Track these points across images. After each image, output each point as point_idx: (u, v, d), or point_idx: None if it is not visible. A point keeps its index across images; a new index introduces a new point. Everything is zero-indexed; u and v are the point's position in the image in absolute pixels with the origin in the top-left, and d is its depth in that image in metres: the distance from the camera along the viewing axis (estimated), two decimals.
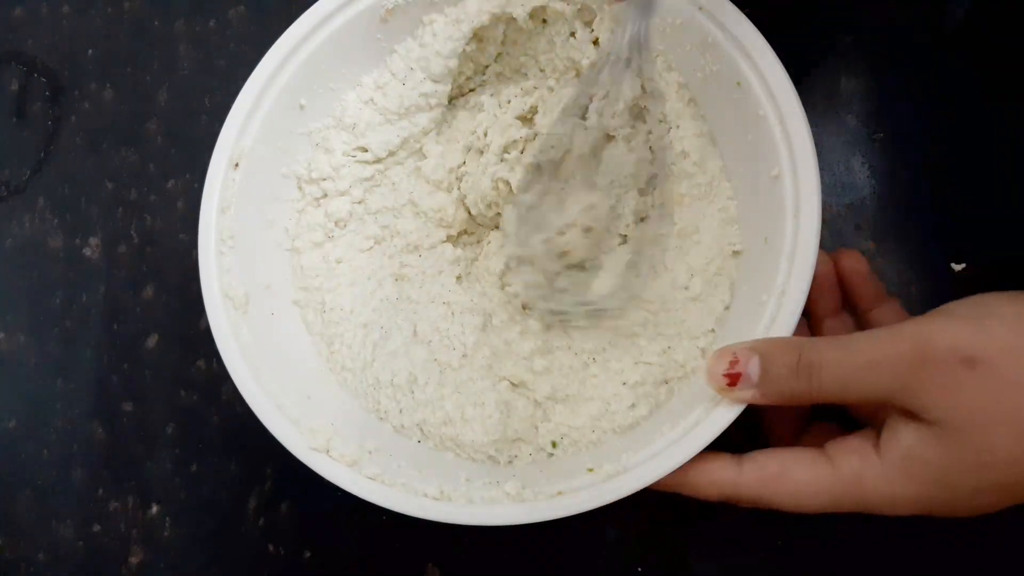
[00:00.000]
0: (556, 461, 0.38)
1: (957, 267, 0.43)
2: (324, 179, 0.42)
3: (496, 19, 0.41)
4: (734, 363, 0.32)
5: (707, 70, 0.39)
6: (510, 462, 0.38)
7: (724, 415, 0.33)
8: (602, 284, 0.39)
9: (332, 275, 0.42)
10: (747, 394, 0.32)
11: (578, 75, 0.43)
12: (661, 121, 0.42)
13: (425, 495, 0.35)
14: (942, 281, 0.43)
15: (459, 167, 0.43)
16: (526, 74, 0.44)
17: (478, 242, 0.44)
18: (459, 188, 0.43)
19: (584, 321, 0.40)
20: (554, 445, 0.38)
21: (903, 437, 0.30)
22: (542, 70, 0.44)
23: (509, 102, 0.44)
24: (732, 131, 0.39)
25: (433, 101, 0.42)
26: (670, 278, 0.40)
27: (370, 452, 0.37)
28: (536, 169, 0.39)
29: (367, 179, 0.43)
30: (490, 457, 0.38)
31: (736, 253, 0.39)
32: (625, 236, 0.42)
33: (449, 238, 0.43)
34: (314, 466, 0.35)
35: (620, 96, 0.41)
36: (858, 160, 0.45)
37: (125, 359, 0.47)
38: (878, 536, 0.40)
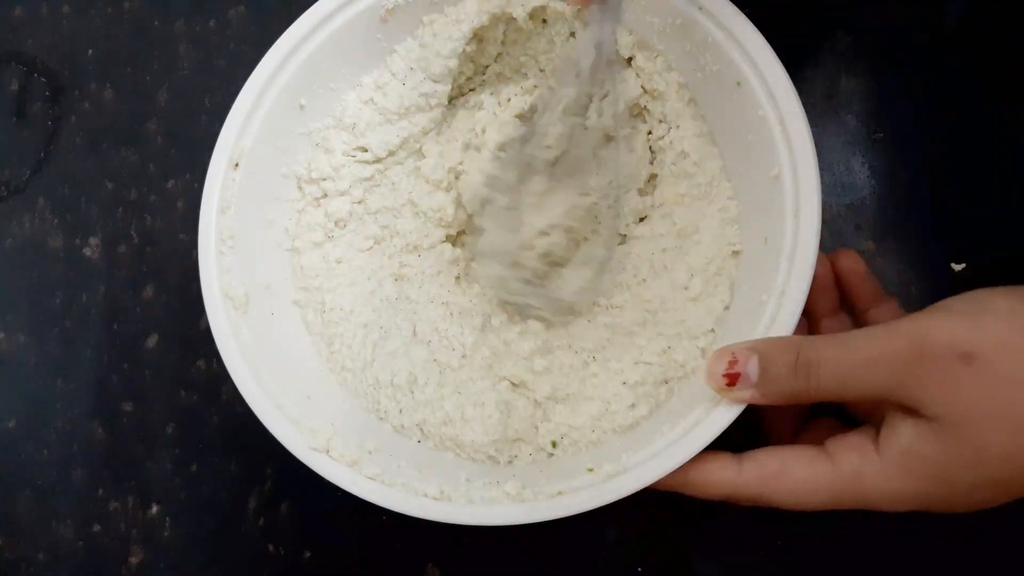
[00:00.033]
0: (556, 461, 0.38)
1: (957, 267, 0.43)
2: (324, 179, 0.42)
3: (496, 19, 0.41)
4: (733, 363, 0.32)
5: (707, 70, 0.39)
6: (510, 462, 0.38)
7: (724, 415, 0.33)
8: (573, 280, 0.39)
9: (332, 275, 0.42)
10: (747, 394, 0.32)
11: (578, 75, 0.43)
12: (661, 121, 0.42)
13: (425, 495, 0.35)
14: (942, 281, 0.43)
15: (458, 165, 0.43)
16: (526, 74, 0.44)
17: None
18: (456, 187, 0.43)
19: (548, 315, 0.40)
20: (554, 445, 0.38)
21: (901, 433, 0.30)
22: (542, 70, 0.44)
23: (509, 100, 0.44)
24: (732, 131, 0.39)
25: (433, 101, 0.42)
26: (670, 278, 0.40)
27: (370, 452, 0.37)
28: (528, 168, 0.39)
29: (367, 179, 0.43)
30: (490, 457, 0.38)
31: (736, 253, 0.39)
32: (624, 236, 0.42)
33: (448, 238, 0.43)
34: (314, 466, 0.35)
35: (620, 97, 0.42)
36: (858, 160, 0.45)
37: (125, 359, 0.47)
38: (878, 535, 0.40)
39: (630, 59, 0.41)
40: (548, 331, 0.40)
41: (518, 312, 0.40)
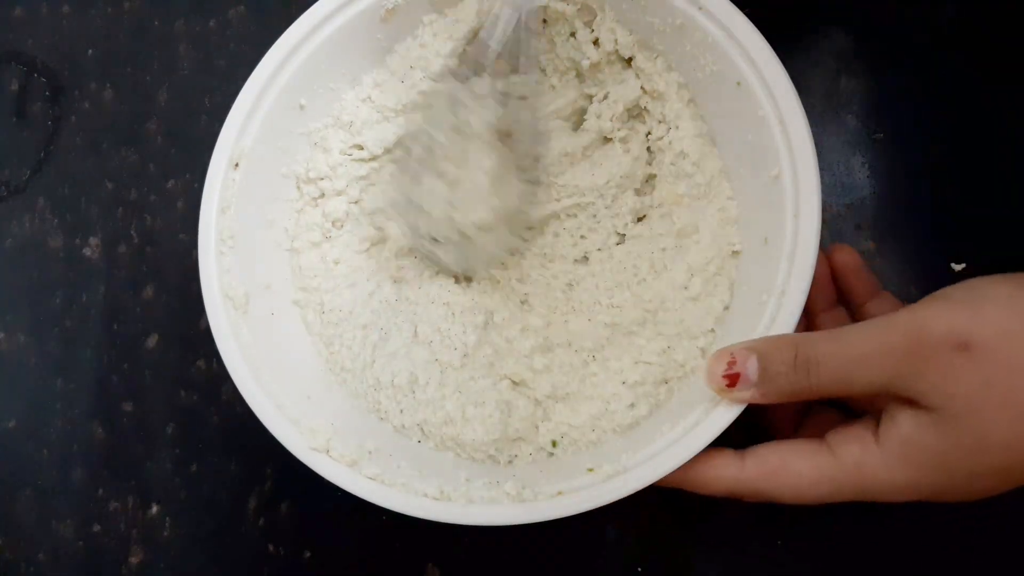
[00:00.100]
0: (556, 461, 0.38)
1: (957, 267, 0.43)
2: (322, 179, 0.42)
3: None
4: (732, 364, 0.32)
5: (707, 70, 0.39)
6: (510, 462, 0.38)
7: (723, 415, 0.33)
8: (486, 244, 0.40)
9: (330, 276, 0.42)
10: (747, 394, 0.32)
11: (578, 75, 0.43)
12: (661, 122, 0.42)
13: (425, 495, 0.35)
14: (942, 281, 0.42)
15: None
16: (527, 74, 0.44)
17: None
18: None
19: (454, 269, 0.41)
20: (554, 444, 0.38)
21: (901, 424, 0.30)
22: (543, 70, 0.44)
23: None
24: (732, 131, 0.39)
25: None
26: (669, 278, 0.40)
27: (370, 452, 0.37)
28: (459, 131, 0.39)
29: (363, 177, 0.43)
30: (490, 457, 0.38)
31: (736, 253, 0.39)
32: (624, 235, 0.43)
33: None
34: (314, 466, 0.35)
35: (620, 98, 0.42)
36: (858, 160, 0.45)
37: (125, 359, 0.47)
38: (878, 535, 0.40)
39: (630, 59, 0.42)
40: (548, 328, 0.40)
41: (423, 260, 0.41)
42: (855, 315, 0.38)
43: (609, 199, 0.42)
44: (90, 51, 0.53)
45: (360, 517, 0.43)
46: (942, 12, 0.47)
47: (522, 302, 0.42)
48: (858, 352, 0.30)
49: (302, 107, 0.42)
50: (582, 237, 0.43)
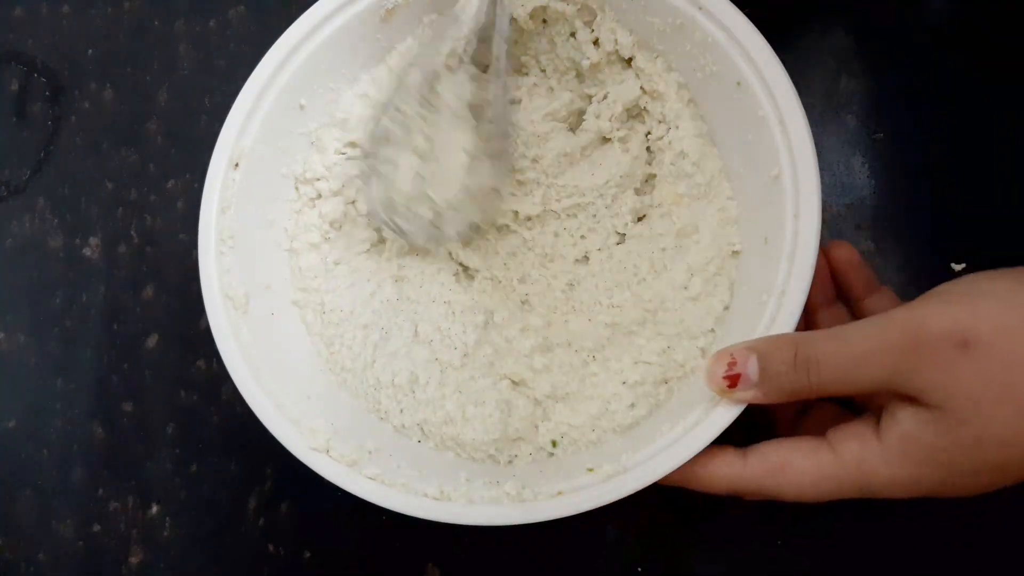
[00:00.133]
0: (556, 461, 0.38)
1: (957, 267, 0.43)
2: (318, 179, 0.42)
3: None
4: (732, 364, 0.32)
5: (707, 70, 0.39)
6: (510, 462, 0.38)
7: (723, 415, 0.33)
8: (455, 220, 0.40)
9: (330, 276, 0.42)
10: (748, 394, 0.32)
11: (578, 75, 0.43)
12: (660, 122, 0.42)
13: (425, 495, 0.35)
14: (942, 281, 0.42)
15: None
16: (527, 74, 0.44)
17: None
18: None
19: (421, 242, 0.41)
20: (554, 444, 0.38)
21: (902, 421, 0.30)
22: (543, 70, 0.44)
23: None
24: (732, 131, 0.39)
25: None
26: (669, 278, 0.40)
27: (370, 452, 0.37)
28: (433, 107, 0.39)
29: (358, 176, 0.43)
30: (490, 457, 0.38)
31: (736, 253, 0.39)
32: (624, 235, 0.42)
33: None
34: (314, 466, 0.35)
35: (620, 98, 0.42)
36: (858, 160, 0.45)
37: (125, 359, 0.47)
38: (879, 533, 0.40)
39: (630, 59, 0.41)
40: (548, 328, 0.40)
41: (393, 233, 0.41)
42: (854, 311, 0.38)
43: (609, 199, 0.42)
44: (90, 51, 0.53)
45: (360, 517, 0.43)
46: (942, 12, 0.47)
47: (522, 302, 0.42)
48: (858, 350, 0.30)
49: (302, 107, 0.42)
50: (582, 237, 0.43)
